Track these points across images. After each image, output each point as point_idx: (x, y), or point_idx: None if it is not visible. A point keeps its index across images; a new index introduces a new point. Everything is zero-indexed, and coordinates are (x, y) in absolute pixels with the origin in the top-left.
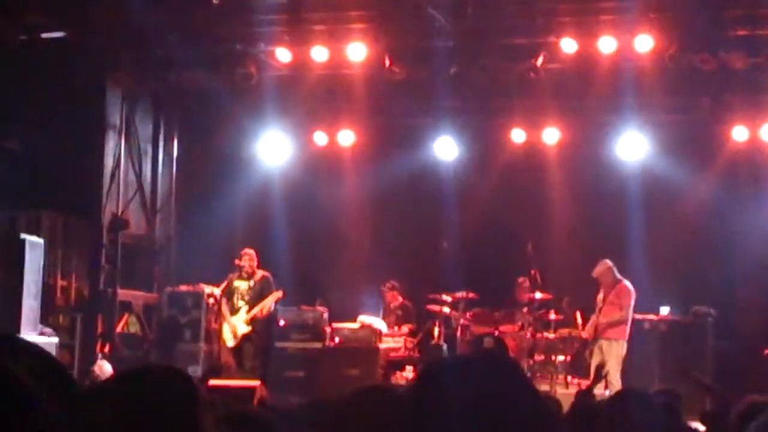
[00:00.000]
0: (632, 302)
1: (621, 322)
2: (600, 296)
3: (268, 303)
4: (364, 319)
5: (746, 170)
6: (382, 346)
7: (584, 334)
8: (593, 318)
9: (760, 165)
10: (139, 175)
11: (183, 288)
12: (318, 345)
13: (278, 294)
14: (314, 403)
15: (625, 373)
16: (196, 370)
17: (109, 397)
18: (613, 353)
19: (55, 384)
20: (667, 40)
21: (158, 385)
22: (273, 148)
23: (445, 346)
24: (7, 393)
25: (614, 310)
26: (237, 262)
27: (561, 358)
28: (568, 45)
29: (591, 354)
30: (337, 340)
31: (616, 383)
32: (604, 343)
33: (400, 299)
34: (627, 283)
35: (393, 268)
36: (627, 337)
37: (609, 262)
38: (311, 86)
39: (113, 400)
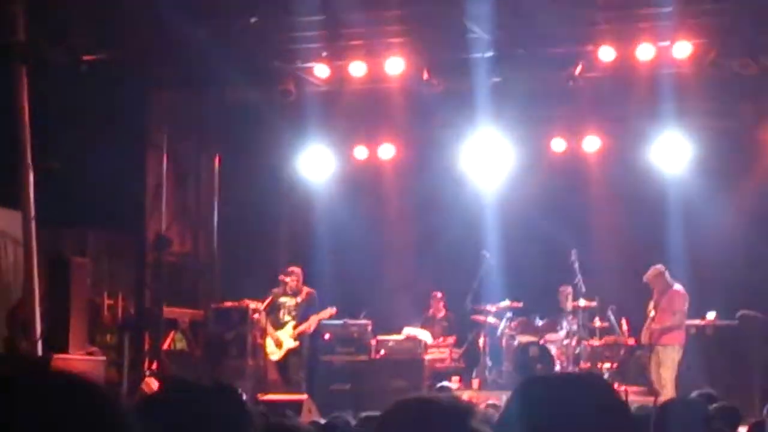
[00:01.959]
0: (685, 307)
1: (674, 328)
2: (652, 302)
3: (318, 320)
4: (409, 330)
5: None
6: (428, 357)
7: (643, 340)
8: (647, 324)
9: None
10: (182, 192)
11: (228, 304)
12: (363, 357)
13: (331, 310)
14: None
15: (678, 379)
16: (242, 386)
17: (158, 410)
18: (668, 358)
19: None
20: (706, 46)
21: (206, 398)
22: (314, 164)
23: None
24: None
25: (667, 315)
26: (282, 278)
27: (607, 365)
28: (607, 53)
29: (649, 361)
30: (382, 352)
31: (670, 389)
32: (659, 349)
33: (445, 310)
34: (679, 287)
35: (436, 279)
36: (683, 342)
37: (661, 267)
38: (350, 101)
39: (163, 413)
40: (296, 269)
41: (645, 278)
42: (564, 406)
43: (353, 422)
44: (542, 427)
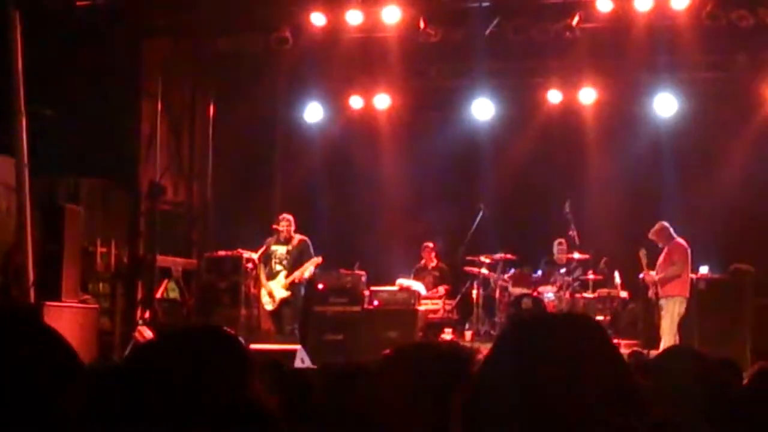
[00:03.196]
0: (686, 258)
1: (674, 277)
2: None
3: (308, 269)
4: (403, 281)
5: None
6: (421, 308)
7: (650, 295)
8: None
9: None
10: (176, 141)
11: (221, 253)
12: (357, 308)
13: (317, 260)
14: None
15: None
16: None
17: (157, 356)
18: (669, 310)
19: (63, 363)
20: None
21: (206, 344)
22: (310, 113)
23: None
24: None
25: (668, 267)
26: (275, 226)
27: (600, 318)
28: (604, 4)
29: (651, 316)
30: (375, 303)
31: (668, 340)
32: (662, 301)
33: (437, 261)
34: (680, 240)
35: (430, 230)
36: (686, 294)
37: (665, 223)
38: (346, 50)
39: (161, 359)
40: (288, 216)
41: (650, 234)
42: (554, 347)
43: None
44: (531, 367)
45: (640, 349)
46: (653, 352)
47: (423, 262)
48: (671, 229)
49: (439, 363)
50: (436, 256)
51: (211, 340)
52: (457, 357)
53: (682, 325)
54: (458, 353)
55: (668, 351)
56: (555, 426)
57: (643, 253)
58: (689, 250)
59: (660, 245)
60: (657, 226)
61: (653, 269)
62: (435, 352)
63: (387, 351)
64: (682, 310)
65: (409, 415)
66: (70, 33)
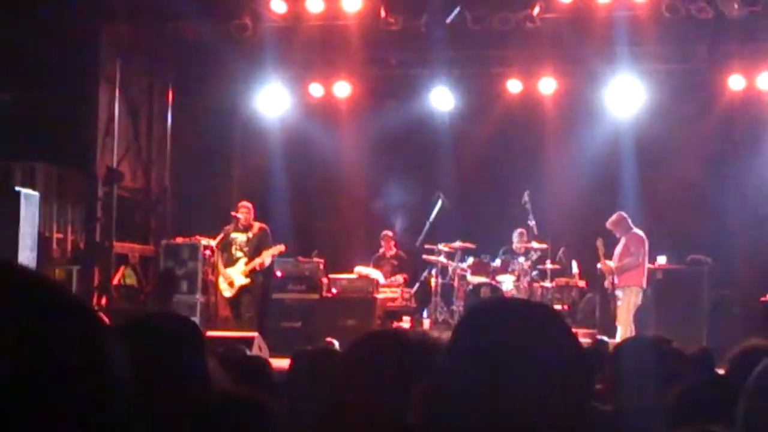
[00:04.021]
0: (643, 249)
1: (631, 268)
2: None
3: (268, 256)
4: (361, 269)
5: (742, 119)
6: (379, 296)
7: (606, 285)
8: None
9: (756, 114)
10: (134, 127)
11: (179, 240)
12: (315, 296)
13: (280, 248)
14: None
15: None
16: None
17: None
18: (625, 300)
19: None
20: None
21: (163, 330)
22: (269, 100)
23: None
24: None
25: (625, 257)
26: (234, 213)
27: (558, 307)
28: None
29: (615, 305)
30: (334, 290)
31: (624, 331)
32: (618, 290)
33: (395, 249)
34: (638, 231)
35: (389, 218)
36: (642, 285)
37: (623, 213)
38: (307, 38)
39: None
40: (247, 203)
41: (608, 225)
42: (512, 333)
43: None
44: (489, 352)
45: (603, 338)
46: (611, 342)
47: (382, 250)
48: (629, 220)
49: (406, 351)
50: (395, 245)
51: (167, 326)
52: (423, 346)
53: (639, 315)
54: (425, 342)
55: (628, 341)
56: (512, 414)
57: (600, 242)
58: (646, 241)
59: (617, 235)
60: (615, 217)
61: (610, 259)
62: (402, 340)
63: (360, 338)
64: (639, 300)
65: (374, 403)
66: (28, 16)
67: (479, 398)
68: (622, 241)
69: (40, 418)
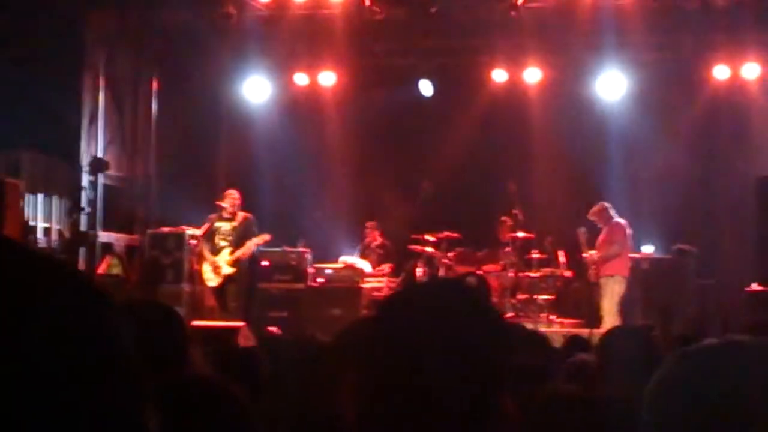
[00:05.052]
0: (625, 238)
1: (614, 257)
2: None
3: (254, 245)
4: (347, 259)
5: (727, 109)
6: (365, 285)
7: (590, 273)
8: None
9: (740, 103)
10: (119, 116)
11: (165, 229)
12: (301, 285)
13: (265, 237)
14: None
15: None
16: (179, 311)
17: None
18: (608, 290)
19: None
20: None
21: (146, 319)
22: (254, 89)
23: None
24: None
25: (607, 247)
26: (219, 202)
27: (544, 297)
28: None
29: (599, 295)
30: (320, 280)
31: (609, 320)
32: (601, 280)
33: (380, 239)
34: (620, 220)
35: (375, 208)
36: (625, 273)
37: (605, 203)
38: (291, 27)
39: None
40: (233, 192)
41: (589, 215)
42: (428, 317)
43: None
44: (404, 337)
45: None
46: (596, 332)
47: (367, 240)
48: (611, 210)
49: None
50: (381, 234)
51: (148, 313)
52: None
53: (624, 304)
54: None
55: (615, 330)
56: (434, 393)
57: (582, 231)
58: (629, 230)
59: (599, 225)
60: (597, 207)
61: (592, 248)
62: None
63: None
64: (622, 289)
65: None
66: (11, 4)
67: (401, 383)
68: (604, 230)
69: (46, 391)
